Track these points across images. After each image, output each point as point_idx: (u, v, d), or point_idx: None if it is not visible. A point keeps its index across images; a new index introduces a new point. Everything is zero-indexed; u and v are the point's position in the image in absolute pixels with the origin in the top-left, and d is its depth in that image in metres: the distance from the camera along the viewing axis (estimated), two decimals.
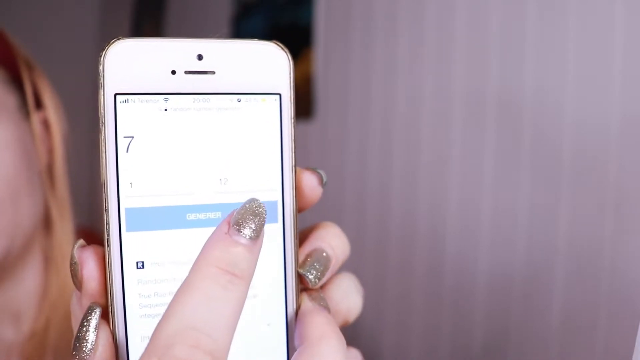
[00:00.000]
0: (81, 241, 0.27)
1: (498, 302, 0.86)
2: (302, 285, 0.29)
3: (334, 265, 0.30)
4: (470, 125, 0.92)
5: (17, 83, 0.55)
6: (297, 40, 1.31)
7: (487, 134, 0.89)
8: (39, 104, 0.57)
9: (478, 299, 0.89)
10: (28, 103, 0.55)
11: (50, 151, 0.57)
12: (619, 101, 0.72)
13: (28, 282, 0.56)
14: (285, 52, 0.28)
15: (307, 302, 0.29)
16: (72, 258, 0.26)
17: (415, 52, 1.02)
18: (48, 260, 0.56)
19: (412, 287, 1.01)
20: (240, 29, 1.53)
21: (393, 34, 1.07)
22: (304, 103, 1.28)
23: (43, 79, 0.57)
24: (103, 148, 0.26)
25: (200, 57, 0.27)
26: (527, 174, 0.83)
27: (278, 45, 0.28)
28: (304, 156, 1.29)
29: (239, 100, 0.28)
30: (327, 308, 0.29)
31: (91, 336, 0.25)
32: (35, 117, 0.55)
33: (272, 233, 0.28)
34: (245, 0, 1.52)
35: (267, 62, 0.28)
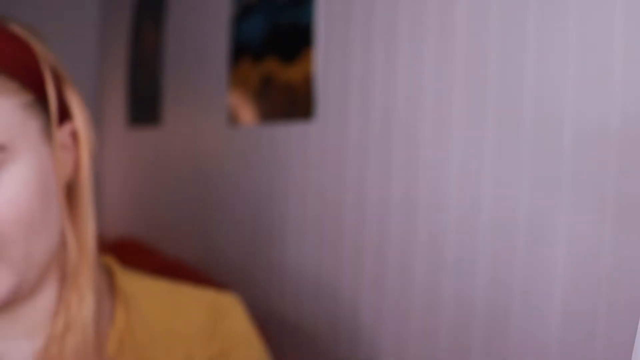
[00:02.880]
0: None
1: (498, 302, 0.86)
2: None
3: None
4: (471, 125, 0.92)
5: (40, 103, 0.52)
6: (297, 40, 1.31)
7: (488, 134, 0.89)
8: (66, 115, 0.54)
9: (478, 300, 0.89)
10: (52, 123, 0.53)
11: (76, 164, 0.55)
12: (619, 101, 0.72)
13: (44, 297, 0.55)
14: None
15: None
16: None
17: (415, 52, 1.02)
18: (65, 275, 0.55)
19: (412, 288, 1.01)
20: (240, 29, 1.53)
21: (393, 34, 1.07)
22: (304, 103, 1.28)
23: (70, 87, 0.55)
24: None
25: None
26: (527, 174, 0.83)
27: None
28: (304, 156, 1.29)
29: None
30: None
31: None
32: (58, 135, 0.53)
33: None
34: (245, 0, 1.52)
35: None
